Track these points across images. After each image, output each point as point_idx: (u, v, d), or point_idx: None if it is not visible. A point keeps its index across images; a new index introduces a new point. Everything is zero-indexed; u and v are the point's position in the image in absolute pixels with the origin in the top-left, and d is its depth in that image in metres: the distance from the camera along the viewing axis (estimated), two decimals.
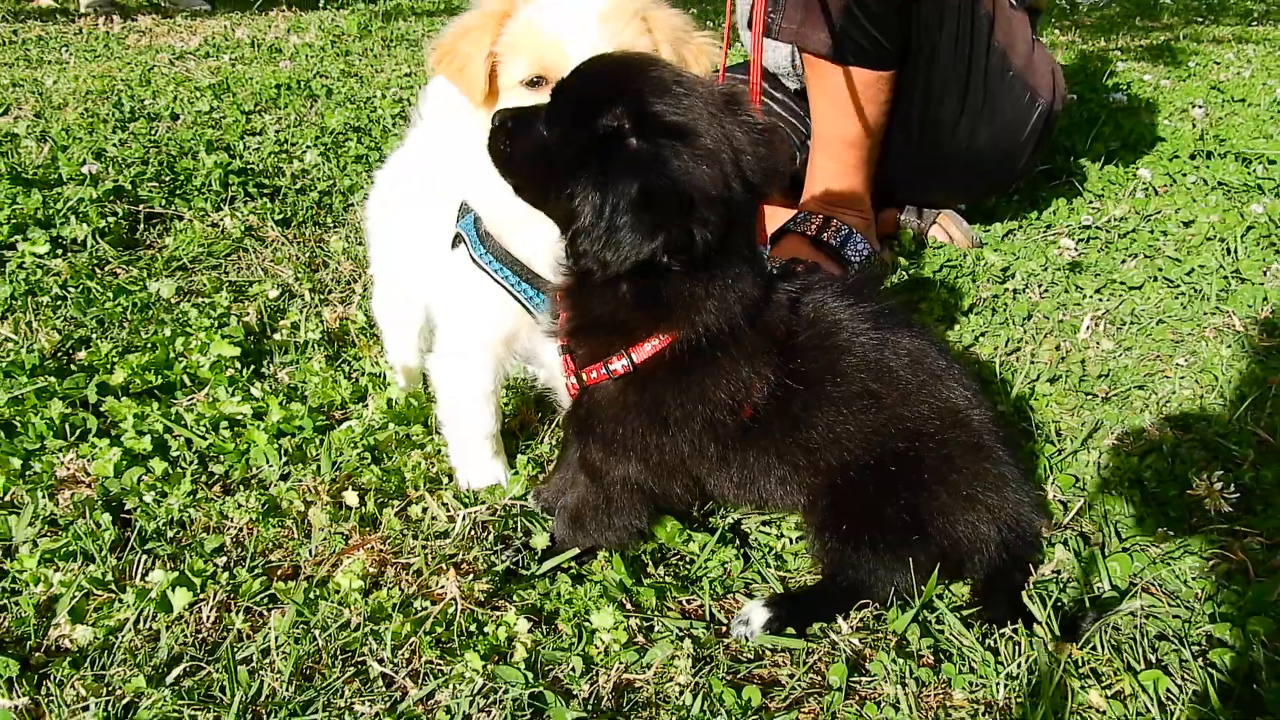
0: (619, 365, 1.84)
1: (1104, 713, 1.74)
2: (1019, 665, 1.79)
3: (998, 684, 1.77)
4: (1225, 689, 1.77)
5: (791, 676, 1.81)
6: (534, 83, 2.04)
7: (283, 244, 3.70)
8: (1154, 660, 1.85)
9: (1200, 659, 1.85)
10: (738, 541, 2.17)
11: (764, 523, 2.24)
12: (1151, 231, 3.90)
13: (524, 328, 2.27)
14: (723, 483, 2.01)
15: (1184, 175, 4.51)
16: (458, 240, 2.26)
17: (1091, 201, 4.29)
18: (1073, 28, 9.06)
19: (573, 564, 2.07)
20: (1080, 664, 1.82)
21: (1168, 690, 1.77)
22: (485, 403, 2.32)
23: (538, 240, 2.11)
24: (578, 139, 1.71)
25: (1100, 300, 3.39)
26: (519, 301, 2.21)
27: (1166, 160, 4.71)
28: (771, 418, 1.91)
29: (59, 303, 3.15)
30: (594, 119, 1.69)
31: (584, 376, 1.91)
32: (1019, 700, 1.74)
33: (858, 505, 1.94)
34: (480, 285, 2.21)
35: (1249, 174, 4.46)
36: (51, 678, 1.75)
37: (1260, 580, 2.03)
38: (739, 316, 1.80)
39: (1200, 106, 5.69)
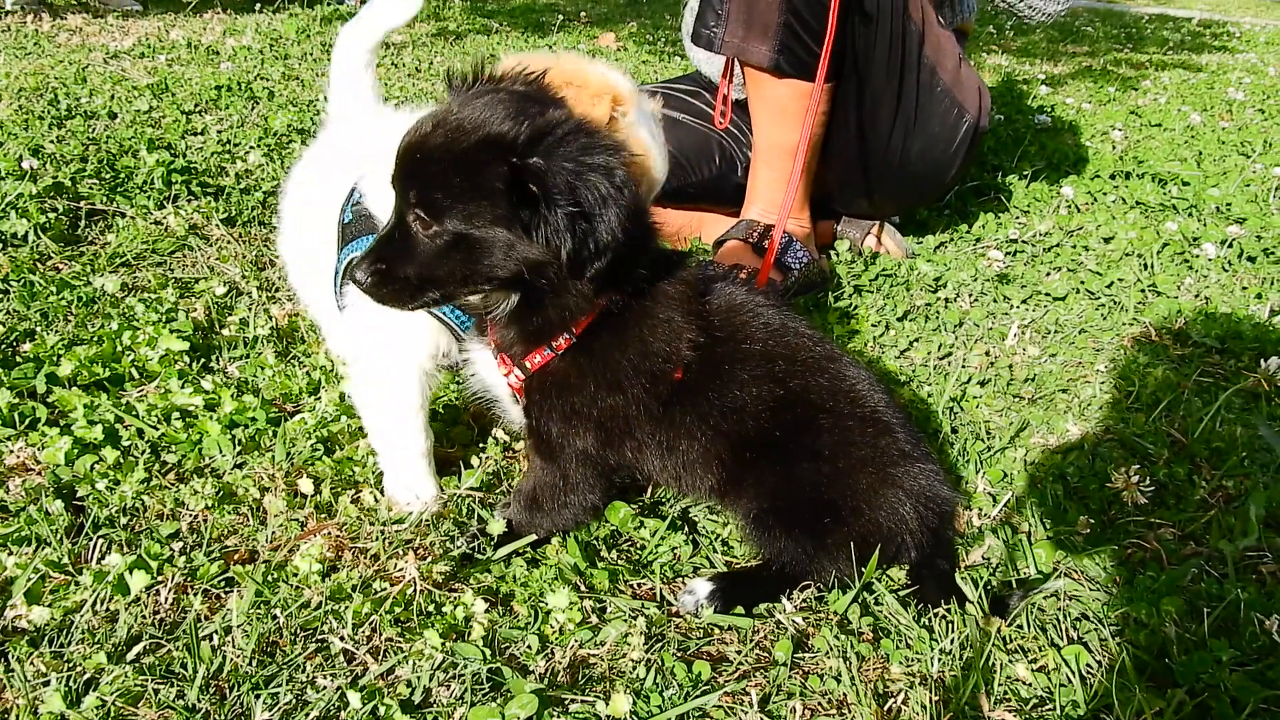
0: (561, 340, 1.92)
1: (1029, 684, 1.85)
2: (952, 641, 1.89)
3: (932, 658, 1.87)
4: (1140, 662, 1.89)
5: (739, 652, 1.89)
6: None
7: (228, 242, 3.70)
8: (1076, 637, 1.97)
9: (1118, 637, 1.97)
10: (687, 528, 2.25)
11: (712, 510, 2.31)
12: (1074, 246, 4.08)
13: (446, 342, 2.23)
14: (653, 451, 2.06)
15: (1104, 194, 4.73)
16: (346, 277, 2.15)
17: (1018, 217, 4.47)
18: (1000, 52, 9.37)
19: (528, 549, 2.12)
20: (1008, 640, 1.93)
21: (1088, 664, 1.89)
22: (416, 421, 2.25)
23: None
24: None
25: (1027, 310, 3.55)
26: (443, 322, 2.18)
27: (1088, 179, 4.93)
28: (696, 378, 2.00)
29: (1, 296, 3.12)
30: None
31: (526, 365, 1.96)
32: (952, 673, 1.84)
33: (771, 485, 2.04)
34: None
35: (1165, 194, 4.68)
36: (10, 655, 1.76)
37: (1173, 567, 2.17)
38: (651, 276, 1.94)
39: (1120, 130, 5.95)
